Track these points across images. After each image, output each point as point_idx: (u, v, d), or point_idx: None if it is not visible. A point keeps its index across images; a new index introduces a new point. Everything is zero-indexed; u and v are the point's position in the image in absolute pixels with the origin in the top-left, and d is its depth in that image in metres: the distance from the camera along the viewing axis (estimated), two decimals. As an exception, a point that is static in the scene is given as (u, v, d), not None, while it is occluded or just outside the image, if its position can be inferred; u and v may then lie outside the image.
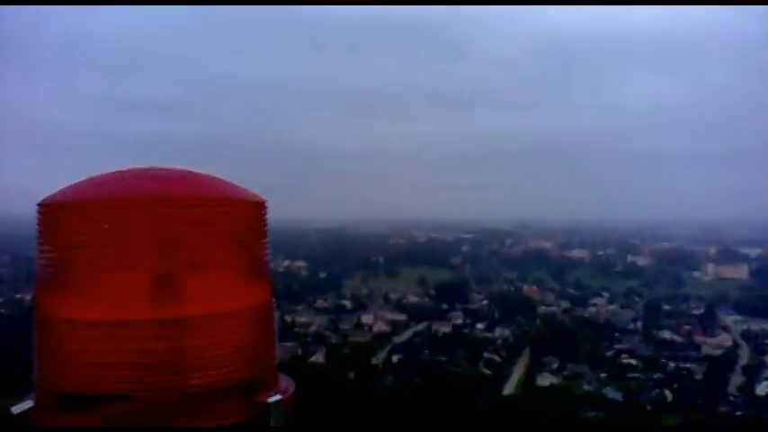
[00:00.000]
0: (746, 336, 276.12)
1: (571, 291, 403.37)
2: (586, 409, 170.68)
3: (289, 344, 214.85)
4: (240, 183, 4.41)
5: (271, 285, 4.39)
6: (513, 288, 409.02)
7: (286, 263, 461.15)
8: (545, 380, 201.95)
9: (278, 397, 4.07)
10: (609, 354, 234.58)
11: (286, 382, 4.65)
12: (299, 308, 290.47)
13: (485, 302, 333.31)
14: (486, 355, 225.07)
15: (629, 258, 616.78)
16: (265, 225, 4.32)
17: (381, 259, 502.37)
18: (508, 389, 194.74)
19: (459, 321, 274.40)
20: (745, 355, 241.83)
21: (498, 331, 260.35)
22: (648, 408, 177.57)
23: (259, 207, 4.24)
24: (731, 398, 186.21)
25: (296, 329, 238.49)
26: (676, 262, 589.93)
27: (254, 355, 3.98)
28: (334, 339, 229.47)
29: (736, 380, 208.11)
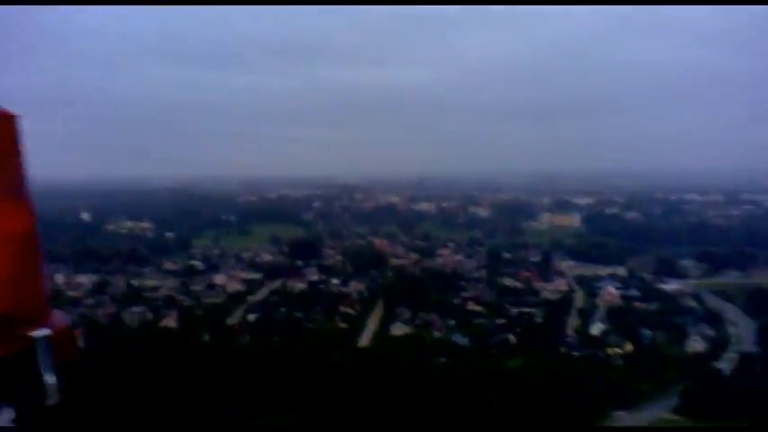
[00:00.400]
0: (580, 280, 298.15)
1: (419, 243, 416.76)
2: (438, 356, 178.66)
3: (137, 309, 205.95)
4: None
5: (32, 212, 3.93)
6: (365, 242, 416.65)
7: (129, 224, 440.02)
8: (398, 330, 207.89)
9: (45, 332, 3.72)
10: (456, 302, 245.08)
11: (60, 317, 4.29)
12: (146, 271, 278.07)
13: (338, 258, 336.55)
14: (341, 309, 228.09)
15: (471, 210, 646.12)
16: (19, 143, 3.81)
17: (232, 218, 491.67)
18: (364, 341, 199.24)
19: (315, 277, 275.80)
20: (579, 299, 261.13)
21: (353, 285, 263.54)
22: (494, 351, 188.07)
23: (6, 122, 3.76)
24: (568, 339, 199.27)
25: (144, 294, 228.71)
26: (514, 212, 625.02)
27: (12, 286, 3.62)
28: (186, 302, 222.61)
29: (573, 322, 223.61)
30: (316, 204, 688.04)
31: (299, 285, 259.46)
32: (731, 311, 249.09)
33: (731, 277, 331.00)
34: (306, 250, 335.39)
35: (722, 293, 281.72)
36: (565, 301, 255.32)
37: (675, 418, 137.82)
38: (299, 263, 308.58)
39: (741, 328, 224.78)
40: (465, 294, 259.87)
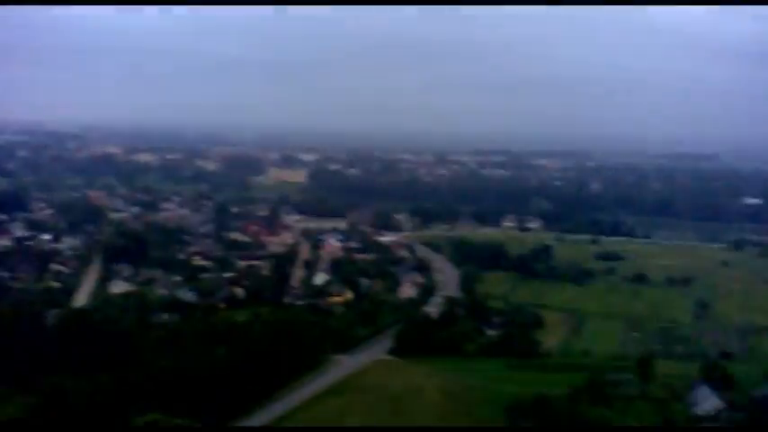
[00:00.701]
0: (306, 234, 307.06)
1: (141, 196, 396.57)
2: (161, 312, 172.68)
3: None
4: None
5: None
6: (79, 195, 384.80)
7: None
8: (118, 287, 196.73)
9: None
10: (182, 257, 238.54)
11: None
12: None
13: (49, 212, 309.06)
14: (53, 267, 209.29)
15: (198, 163, 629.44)
16: None
17: None
18: (80, 300, 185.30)
19: (21, 233, 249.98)
20: (305, 251, 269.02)
21: (66, 241, 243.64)
22: (222, 306, 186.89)
23: None
24: (294, 290, 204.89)
25: None
26: (242, 166, 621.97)
27: None
28: None
29: (299, 273, 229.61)
30: (21, 153, 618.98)
31: (3, 242, 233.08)
32: (439, 260, 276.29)
33: (439, 230, 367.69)
34: (10, 203, 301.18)
35: (431, 244, 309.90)
36: (291, 254, 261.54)
37: (390, 358, 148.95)
38: (3, 217, 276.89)
39: (446, 275, 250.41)
40: (191, 249, 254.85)
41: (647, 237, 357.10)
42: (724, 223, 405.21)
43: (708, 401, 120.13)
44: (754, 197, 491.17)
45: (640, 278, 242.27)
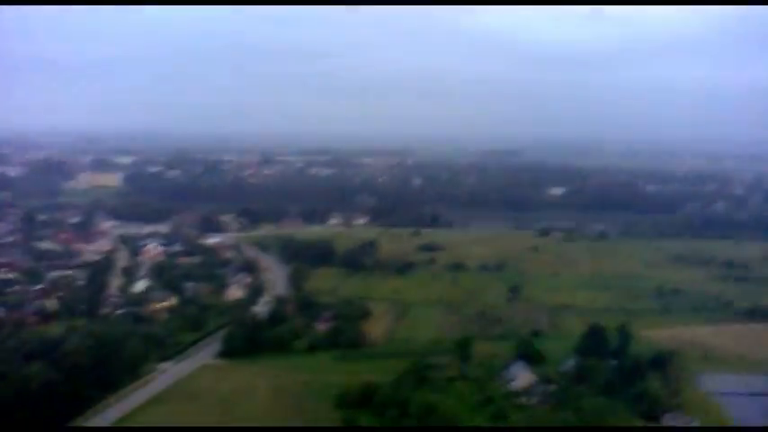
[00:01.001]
0: (123, 239, 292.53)
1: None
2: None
3: None
4: None
5: None
6: None
7: None
8: None
9: None
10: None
11: None
12: None
13: None
14: None
15: (0, 169, 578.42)
16: None
17: None
18: None
19: None
20: (123, 258, 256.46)
21: None
22: (33, 320, 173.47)
23: None
24: (112, 299, 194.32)
25: None
26: (51, 171, 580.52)
27: None
28: None
29: (117, 281, 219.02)
30: None
31: None
32: (267, 260, 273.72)
33: (266, 230, 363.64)
34: None
35: (259, 244, 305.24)
36: (107, 262, 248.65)
37: (218, 362, 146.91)
38: None
39: (275, 274, 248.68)
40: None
41: (464, 227, 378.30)
42: (532, 212, 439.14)
43: (522, 377, 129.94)
44: (558, 187, 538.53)
45: (458, 266, 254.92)
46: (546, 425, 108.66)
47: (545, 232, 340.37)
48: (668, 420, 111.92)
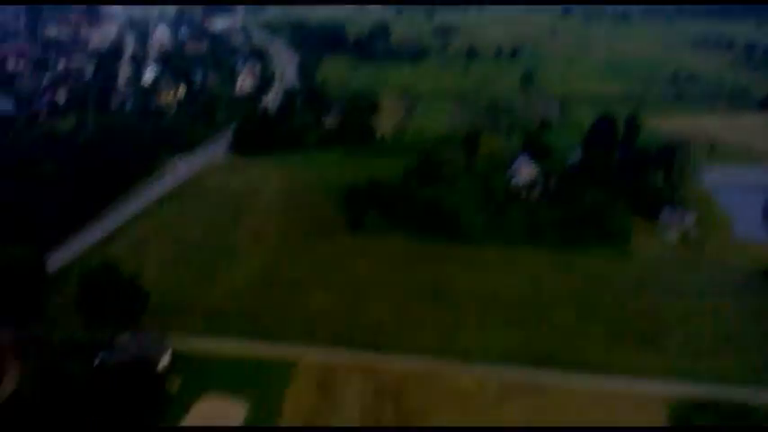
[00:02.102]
0: (131, 23, 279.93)
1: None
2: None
3: None
4: None
5: None
6: None
7: None
8: None
9: None
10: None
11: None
12: None
13: None
14: None
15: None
16: None
17: None
18: None
19: None
20: (130, 45, 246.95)
21: None
22: (43, 113, 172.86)
23: None
24: (122, 88, 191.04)
25: None
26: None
27: None
28: None
29: (126, 70, 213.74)
30: None
31: None
32: (276, 44, 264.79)
33: (276, 9, 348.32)
34: None
35: (269, 27, 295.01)
36: (116, 51, 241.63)
37: (229, 157, 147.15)
38: None
39: (285, 60, 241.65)
40: (3, 50, 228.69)
41: (481, 5, 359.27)
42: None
43: (525, 172, 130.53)
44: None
45: (472, 52, 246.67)
46: (541, 220, 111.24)
47: (567, 11, 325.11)
48: (666, 214, 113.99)
